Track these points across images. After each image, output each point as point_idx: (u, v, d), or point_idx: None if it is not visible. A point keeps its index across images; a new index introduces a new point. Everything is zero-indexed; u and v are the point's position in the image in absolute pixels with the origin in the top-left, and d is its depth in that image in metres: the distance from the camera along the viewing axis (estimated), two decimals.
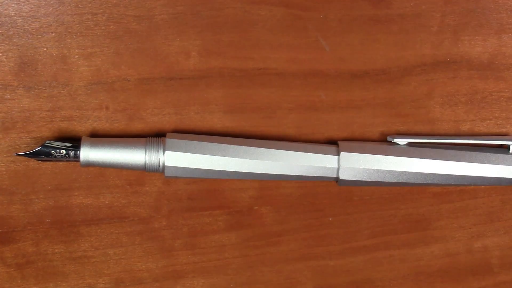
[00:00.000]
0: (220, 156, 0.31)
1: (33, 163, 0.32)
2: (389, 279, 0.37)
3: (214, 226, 0.35)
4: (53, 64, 0.30)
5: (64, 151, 0.30)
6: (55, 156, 0.30)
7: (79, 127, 0.32)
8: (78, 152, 0.30)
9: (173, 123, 0.32)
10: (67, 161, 0.30)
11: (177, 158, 0.30)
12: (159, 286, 0.35)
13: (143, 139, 0.31)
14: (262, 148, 0.31)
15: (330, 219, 0.36)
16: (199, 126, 0.33)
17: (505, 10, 0.33)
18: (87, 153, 0.30)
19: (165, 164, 0.30)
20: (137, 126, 0.32)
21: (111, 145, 0.30)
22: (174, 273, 0.35)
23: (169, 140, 0.31)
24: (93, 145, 0.30)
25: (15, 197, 0.32)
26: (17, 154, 0.31)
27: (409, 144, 0.33)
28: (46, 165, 0.32)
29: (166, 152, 0.30)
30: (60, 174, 0.32)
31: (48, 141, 0.30)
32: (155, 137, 0.31)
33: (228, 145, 0.31)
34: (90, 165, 0.30)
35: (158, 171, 0.31)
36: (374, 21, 0.32)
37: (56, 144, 0.30)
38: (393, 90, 0.34)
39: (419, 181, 0.33)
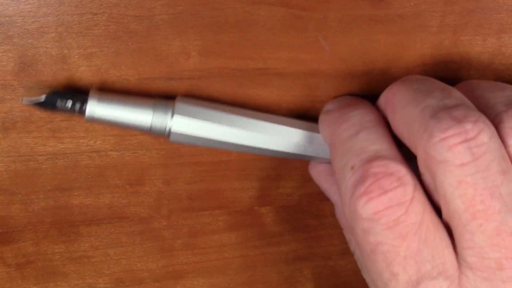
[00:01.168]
0: (228, 127, 0.30)
1: (33, 163, 0.32)
2: None
3: (214, 226, 0.35)
4: (53, 64, 0.31)
5: (70, 102, 0.29)
6: (60, 107, 0.29)
7: (79, 127, 0.32)
8: (85, 105, 0.29)
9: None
10: (71, 113, 0.29)
11: (184, 124, 0.29)
12: (159, 286, 0.35)
13: (152, 100, 0.30)
14: (271, 123, 0.31)
15: (330, 219, 0.36)
16: None
17: (505, 10, 0.33)
18: (94, 108, 0.29)
19: (172, 130, 0.29)
20: None
21: (119, 102, 0.29)
22: (174, 273, 0.35)
23: (178, 105, 0.30)
24: (100, 99, 0.29)
25: (15, 197, 0.32)
26: (22, 101, 0.30)
27: None
28: (46, 165, 0.32)
29: (175, 116, 0.29)
30: (60, 174, 0.32)
31: (55, 90, 0.29)
32: (164, 99, 0.30)
33: (238, 116, 0.30)
34: (94, 120, 0.29)
35: (163, 135, 0.30)
36: (374, 21, 0.32)
37: (63, 94, 0.29)
38: None
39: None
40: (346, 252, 0.36)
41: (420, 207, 0.25)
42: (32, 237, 0.33)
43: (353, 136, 0.28)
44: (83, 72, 0.31)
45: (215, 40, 0.31)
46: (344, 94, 0.33)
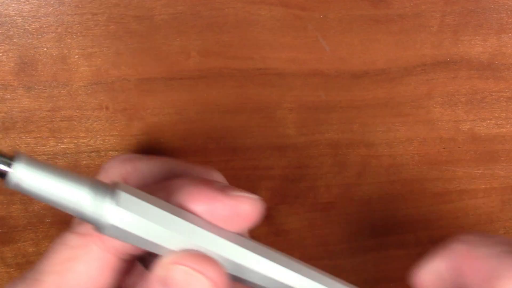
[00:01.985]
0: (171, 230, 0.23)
1: None
2: (389, 279, 0.37)
3: None
4: (53, 64, 0.30)
5: None
6: None
7: (79, 127, 0.32)
8: (10, 166, 0.21)
9: (173, 123, 0.32)
10: None
11: (128, 219, 0.23)
12: None
13: (89, 178, 0.23)
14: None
15: (331, 219, 0.36)
16: (199, 126, 0.33)
17: (505, 10, 0.33)
18: (21, 172, 0.21)
19: (111, 223, 0.22)
20: (137, 126, 0.32)
21: (51, 171, 0.22)
22: None
23: (123, 194, 0.23)
24: (30, 164, 0.21)
25: (15, 197, 0.32)
26: None
27: None
28: None
29: (118, 207, 0.22)
30: None
31: None
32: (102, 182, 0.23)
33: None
34: (18, 188, 0.21)
35: (93, 223, 0.23)
36: (374, 21, 0.32)
37: None
38: (393, 90, 0.34)
39: None
40: (346, 252, 0.36)
41: None
42: (32, 237, 0.33)
43: None
44: (83, 72, 0.31)
45: (215, 40, 0.31)
46: (344, 94, 0.33)
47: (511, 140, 0.36)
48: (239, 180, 0.34)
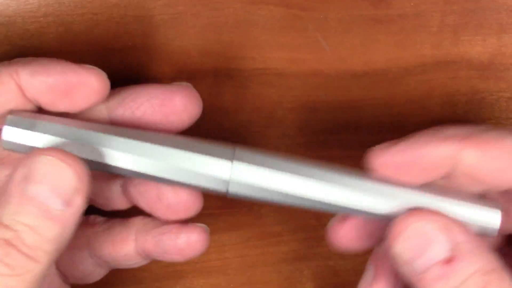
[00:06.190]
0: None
1: None
2: None
3: (214, 226, 0.35)
4: None
5: None
6: None
7: None
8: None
9: None
10: None
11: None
12: (159, 286, 0.35)
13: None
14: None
15: (331, 218, 0.36)
16: (199, 126, 0.33)
17: (505, 10, 0.33)
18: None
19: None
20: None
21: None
22: (174, 273, 0.35)
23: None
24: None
25: None
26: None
27: None
28: None
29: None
30: None
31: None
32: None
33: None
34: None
35: None
36: (374, 21, 0.32)
37: None
38: (393, 90, 0.34)
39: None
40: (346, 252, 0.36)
41: None
42: None
43: None
44: None
45: (215, 40, 0.31)
46: (344, 94, 0.33)
47: None
48: None
